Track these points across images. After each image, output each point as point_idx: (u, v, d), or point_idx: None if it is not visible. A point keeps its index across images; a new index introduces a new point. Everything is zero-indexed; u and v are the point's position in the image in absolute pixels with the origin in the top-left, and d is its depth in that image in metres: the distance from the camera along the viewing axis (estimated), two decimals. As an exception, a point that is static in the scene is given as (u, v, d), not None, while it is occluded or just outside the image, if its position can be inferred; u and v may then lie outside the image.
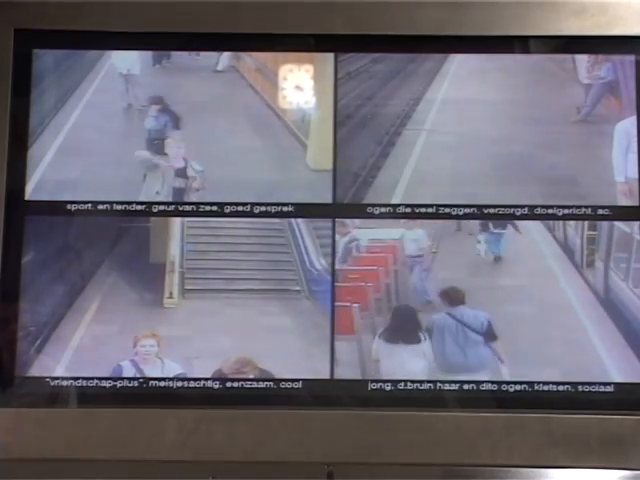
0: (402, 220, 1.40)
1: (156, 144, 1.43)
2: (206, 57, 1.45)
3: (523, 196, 1.39)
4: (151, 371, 1.36)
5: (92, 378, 1.35)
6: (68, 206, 1.40)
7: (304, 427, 1.30)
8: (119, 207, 1.40)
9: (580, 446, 1.28)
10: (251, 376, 1.35)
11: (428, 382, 1.34)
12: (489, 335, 1.35)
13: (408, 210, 1.39)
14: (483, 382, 1.34)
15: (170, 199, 1.41)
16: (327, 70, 1.43)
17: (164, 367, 1.36)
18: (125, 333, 1.37)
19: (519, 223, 1.39)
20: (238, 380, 1.35)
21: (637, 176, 1.39)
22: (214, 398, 1.35)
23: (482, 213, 1.39)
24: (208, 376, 1.36)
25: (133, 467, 1.29)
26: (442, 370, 1.34)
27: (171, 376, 1.36)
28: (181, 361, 1.36)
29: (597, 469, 1.29)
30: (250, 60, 1.47)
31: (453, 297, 1.36)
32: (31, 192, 1.40)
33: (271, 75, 1.45)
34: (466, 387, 1.34)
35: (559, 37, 1.42)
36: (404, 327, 1.36)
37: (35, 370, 1.36)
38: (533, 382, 1.33)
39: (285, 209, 1.40)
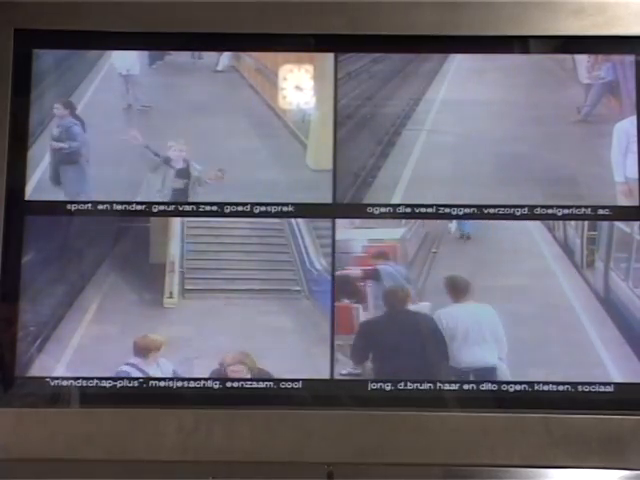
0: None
1: (66, 151, 1.43)
2: (206, 57, 1.45)
3: (523, 196, 1.39)
4: (154, 372, 1.36)
5: (92, 378, 1.35)
6: (68, 206, 1.40)
7: (304, 427, 1.30)
8: (119, 207, 1.40)
9: (580, 446, 1.29)
10: (249, 371, 1.35)
11: (428, 382, 1.35)
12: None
13: (408, 210, 1.39)
14: (483, 382, 1.34)
15: (169, 199, 1.41)
16: (327, 70, 1.43)
17: (164, 367, 1.36)
18: (125, 333, 1.37)
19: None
20: (238, 380, 1.35)
21: (637, 176, 1.39)
22: (214, 398, 1.34)
23: (482, 213, 1.39)
24: (208, 376, 1.36)
25: (133, 467, 1.29)
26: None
27: (171, 376, 1.36)
28: (181, 361, 1.36)
29: (597, 469, 1.29)
30: (250, 60, 1.47)
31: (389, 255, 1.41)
32: (31, 192, 1.40)
33: (271, 75, 1.45)
34: (466, 387, 1.34)
35: (558, 37, 1.42)
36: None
37: (35, 370, 1.36)
38: (533, 382, 1.33)
39: (285, 209, 1.40)
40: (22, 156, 1.40)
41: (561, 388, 1.33)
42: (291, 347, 1.37)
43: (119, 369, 1.36)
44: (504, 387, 1.34)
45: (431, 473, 1.30)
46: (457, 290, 1.37)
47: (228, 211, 1.40)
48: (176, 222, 1.41)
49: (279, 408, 1.33)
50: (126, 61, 1.45)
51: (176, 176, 1.42)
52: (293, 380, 1.35)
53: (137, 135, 1.42)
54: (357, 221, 1.41)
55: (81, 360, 1.36)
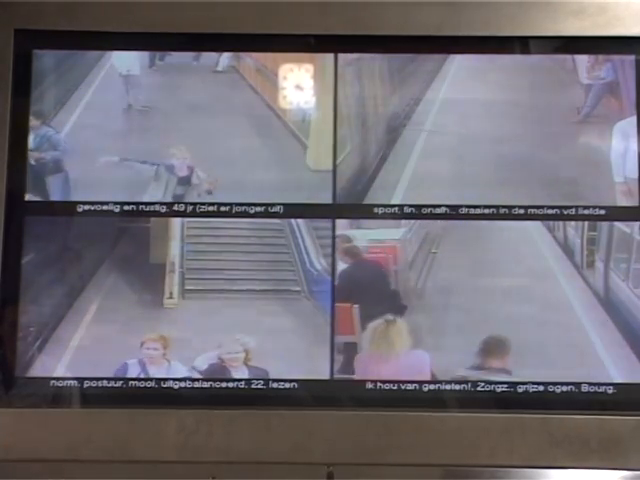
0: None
1: (42, 162, 1.42)
2: (206, 57, 1.45)
3: (523, 196, 1.39)
4: (155, 372, 1.36)
5: (92, 378, 1.35)
6: (68, 207, 1.40)
7: (304, 427, 1.30)
8: (119, 207, 1.40)
9: (580, 446, 1.29)
10: (243, 351, 1.36)
11: (428, 382, 1.35)
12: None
13: (409, 210, 1.39)
14: (483, 382, 1.34)
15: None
16: (327, 70, 1.43)
17: (165, 367, 1.36)
18: (125, 333, 1.37)
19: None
20: (238, 380, 1.35)
21: (636, 176, 1.39)
22: (214, 398, 1.35)
23: (482, 213, 1.39)
24: (208, 376, 1.36)
25: (133, 467, 1.29)
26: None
27: (171, 376, 1.36)
28: (181, 361, 1.36)
29: (597, 469, 1.29)
30: (250, 60, 1.47)
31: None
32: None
33: (271, 75, 1.45)
34: (466, 387, 1.34)
35: (558, 37, 1.42)
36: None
37: (35, 371, 1.36)
38: (533, 382, 1.34)
39: (285, 209, 1.40)
40: (22, 156, 1.40)
41: (561, 388, 1.33)
42: (291, 347, 1.37)
43: (119, 369, 1.36)
44: (504, 387, 1.34)
45: (431, 473, 1.30)
46: None
47: (228, 211, 1.40)
48: (176, 222, 1.41)
49: (279, 408, 1.33)
50: (126, 61, 1.45)
51: (178, 184, 1.42)
52: (293, 380, 1.35)
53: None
54: (357, 221, 1.41)
55: (81, 360, 1.36)
